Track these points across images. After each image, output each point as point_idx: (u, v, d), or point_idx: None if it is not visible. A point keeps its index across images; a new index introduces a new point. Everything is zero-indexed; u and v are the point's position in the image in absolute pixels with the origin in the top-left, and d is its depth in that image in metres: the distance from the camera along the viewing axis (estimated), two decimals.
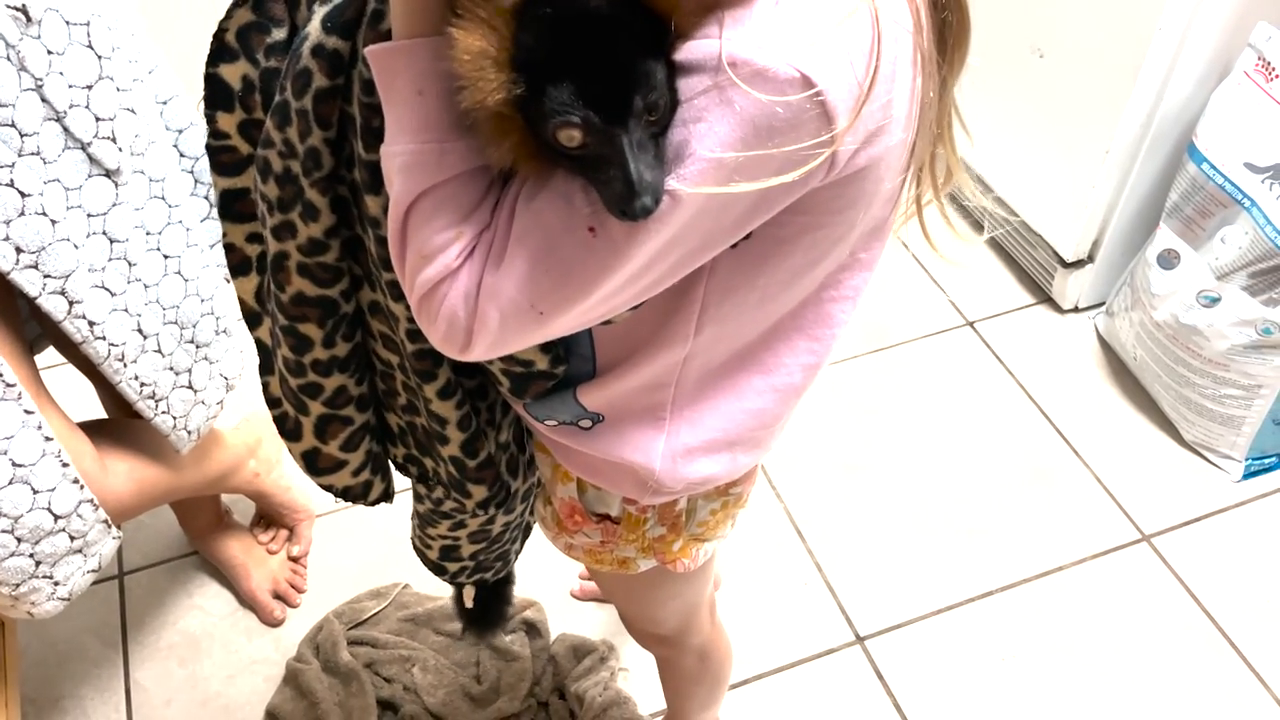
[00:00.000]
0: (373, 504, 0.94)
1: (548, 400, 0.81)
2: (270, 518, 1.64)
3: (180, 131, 1.18)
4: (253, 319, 0.85)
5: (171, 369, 1.20)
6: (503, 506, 0.91)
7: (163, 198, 1.14)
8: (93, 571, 1.19)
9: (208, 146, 0.76)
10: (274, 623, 1.57)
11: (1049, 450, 1.77)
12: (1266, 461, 1.72)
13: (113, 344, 1.10)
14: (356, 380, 0.84)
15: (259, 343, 0.86)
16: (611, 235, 0.60)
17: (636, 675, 1.51)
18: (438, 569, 1.03)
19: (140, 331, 1.13)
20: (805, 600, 1.59)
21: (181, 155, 1.18)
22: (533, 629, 1.53)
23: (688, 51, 0.57)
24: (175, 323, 1.18)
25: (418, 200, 0.62)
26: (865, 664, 1.52)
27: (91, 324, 1.07)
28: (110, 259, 1.08)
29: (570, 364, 0.79)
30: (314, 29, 0.66)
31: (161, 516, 1.67)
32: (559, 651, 1.52)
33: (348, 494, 0.92)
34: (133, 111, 1.08)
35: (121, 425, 1.28)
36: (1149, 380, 1.78)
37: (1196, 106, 1.66)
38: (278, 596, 1.59)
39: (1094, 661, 1.52)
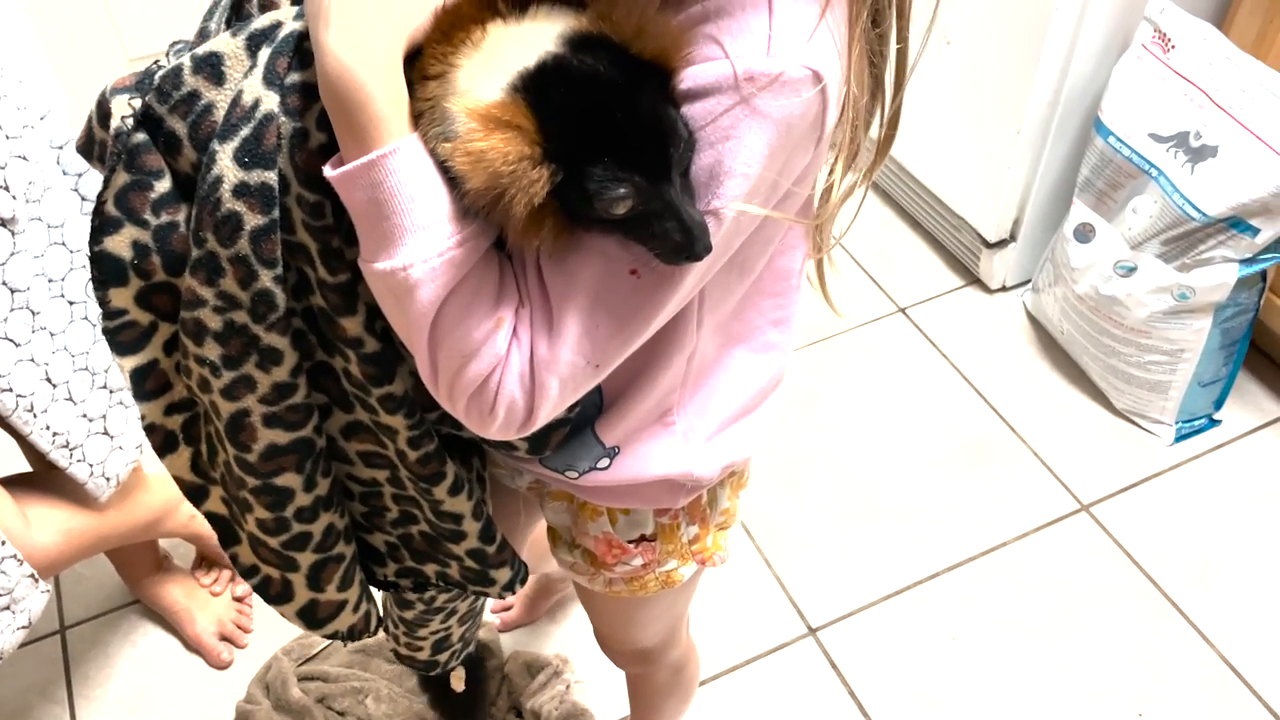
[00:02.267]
0: (373, 634, 0.90)
1: (566, 449, 0.79)
2: (211, 559, 1.62)
3: (79, 175, 1.16)
4: (197, 493, 0.79)
5: (85, 416, 1.18)
6: (521, 578, 0.89)
7: (63, 243, 1.12)
8: (23, 628, 1.16)
9: (104, 330, 0.70)
10: (221, 666, 1.55)
11: (986, 428, 1.79)
12: (1196, 423, 1.75)
13: (20, 395, 1.08)
14: (340, 513, 0.81)
15: (212, 516, 0.80)
16: (657, 270, 0.61)
17: (592, 686, 1.51)
18: (429, 665, 1.00)
19: (49, 380, 1.11)
20: (756, 596, 1.60)
21: (82, 199, 1.17)
22: (484, 648, 1.52)
23: (694, 79, 0.58)
24: (86, 369, 1.16)
25: (446, 302, 0.60)
26: (819, 655, 1.53)
27: None
28: (12, 309, 1.06)
29: (580, 402, 0.77)
30: (227, 168, 0.62)
31: (100, 566, 1.64)
32: (512, 670, 1.52)
33: (353, 633, 0.87)
34: (24, 158, 1.06)
35: (44, 477, 1.26)
36: (1077, 352, 1.82)
37: (1100, 82, 1.69)
38: (224, 639, 1.56)
39: (1042, 633, 1.54)
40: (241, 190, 0.62)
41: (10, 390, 1.07)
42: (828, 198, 0.71)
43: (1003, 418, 1.80)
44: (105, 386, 1.20)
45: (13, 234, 1.05)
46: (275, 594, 0.81)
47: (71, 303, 1.14)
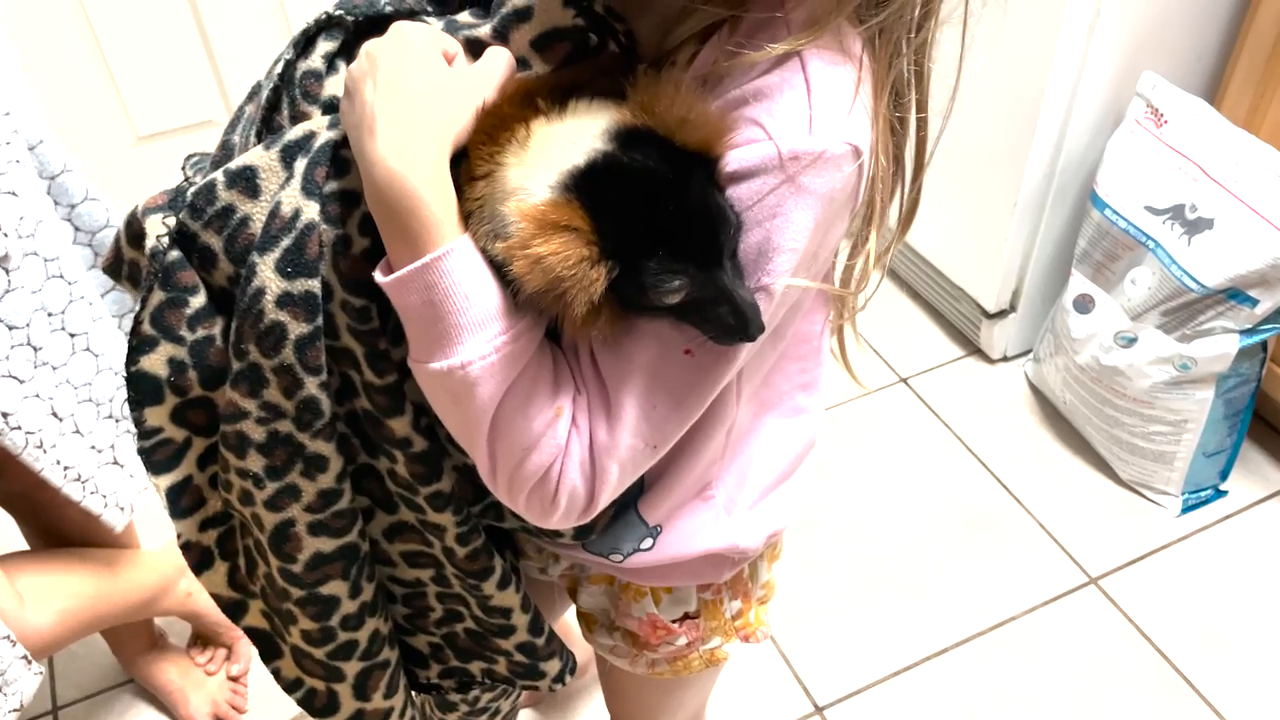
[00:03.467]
0: None
1: (611, 531, 0.78)
2: (207, 637, 1.59)
3: (72, 207, 1.16)
4: (235, 609, 0.78)
5: (94, 448, 1.17)
6: (571, 668, 0.88)
7: (61, 275, 1.12)
8: (14, 711, 1.14)
9: (139, 449, 0.69)
10: None
11: (991, 500, 1.78)
12: (1203, 494, 1.74)
13: (29, 432, 1.07)
14: (384, 618, 0.80)
15: (253, 631, 0.79)
16: (710, 348, 0.62)
17: None
18: None
19: (55, 415, 1.11)
20: (761, 672, 1.57)
21: (76, 229, 1.17)
22: None
23: (739, 161, 0.59)
24: (90, 400, 1.16)
25: (505, 397, 0.60)
26: None
27: (4, 415, 1.04)
28: (13, 346, 1.05)
29: None
30: (269, 280, 0.62)
31: (93, 645, 1.61)
32: None
33: None
34: (14, 194, 1.05)
35: (41, 556, 1.24)
36: (1080, 423, 1.81)
37: (1095, 155, 1.71)
38: (219, 719, 1.53)
39: (1053, 710, 1.51)
40: (285, 300, 0.62)
41: (19, 428, 1.06)
42: (852, 266, 0.72)
43: (1008, 489, 1.79)
44: (111, 416, 1.19)
45: (6, 271, 1.04)
46: (321, 706, 0.79)
47: (72, 335, 1.13)
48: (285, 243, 0.62)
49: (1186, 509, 1.73)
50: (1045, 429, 1.88)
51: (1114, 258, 1.65)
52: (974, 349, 2.03)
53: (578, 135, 0.58)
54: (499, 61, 0.62)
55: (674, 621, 0.87)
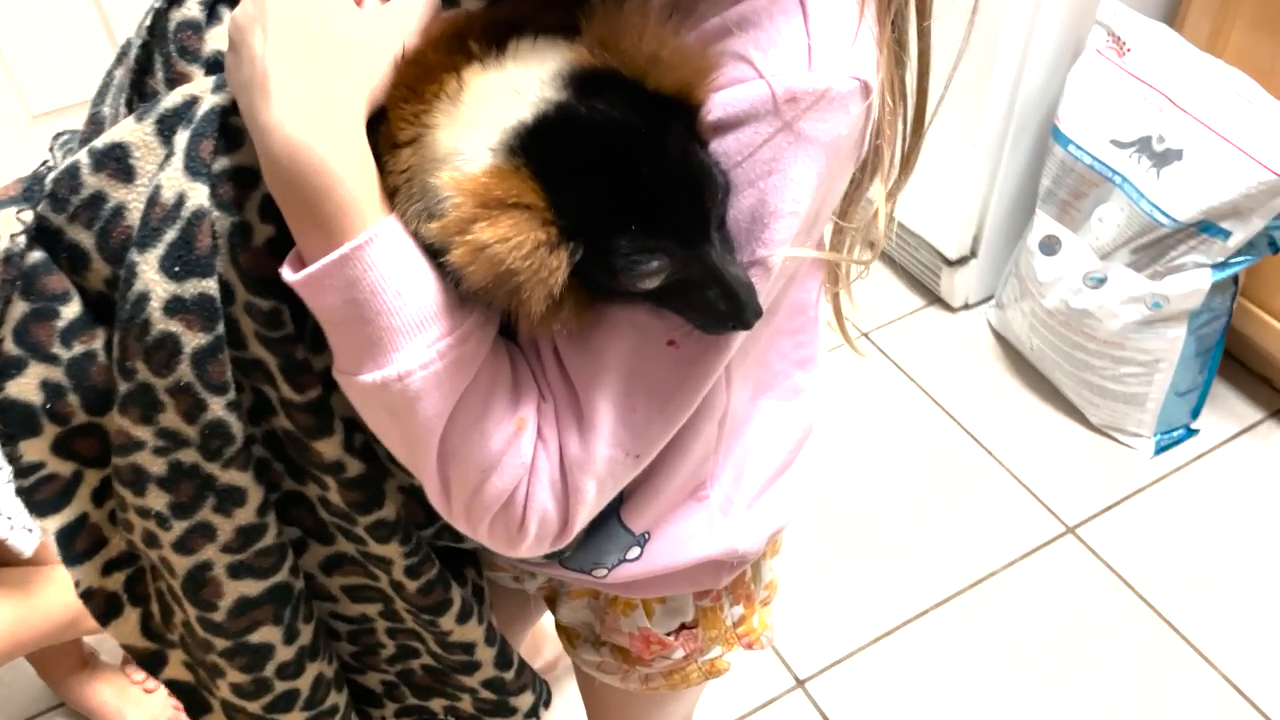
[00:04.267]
0: None
1: (591, 545, 0.69)
2: None
3: None
4: (153, 661, 0.67)
5: None
6: (545, 700, 0.79)
7: None
8: None
9: (18, 489, 0.58)
10: None
11: (961, 454, 1.72)
12: (1175, 434, 1.70)
13: None
14: (328, 659, 0.69)
15: (175, 685, 0.68)
16: (699, 336, 0.52)
17: None
18: None
19: None
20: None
21: None
22: None
23: (724, 107, 0.49)
24: None
25: (455, 410, 0.50)
26: (809, 707, 1.44)
27: None
28: None
29: None
30: (153, 282, 0.51)
31: (19, 669, 1.49)
32: None
33: None
34: None
35: None
36: (1048, 368, 1.76)
37: (1055, 89, 1.64)
38: None
39: (1039, 664, 1.47)
40: (175, 306, 0.51)
41: None
42: (847, 225, 0.63)
43: (978, 441, 1.74)
44: None
45: None
46: None
47: None
48: (169, 235, 0.51)
49: (1160, 450, 1.69)
50: (1012, 376, 1.83)
51: (1080, 195, 1.59)
52: (934, 298, 1.96)
53: (522, 83, 0.48)
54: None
55: (669, 634, 0.78)
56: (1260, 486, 1.65)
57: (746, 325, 0.49)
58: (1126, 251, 1.54)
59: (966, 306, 1.93)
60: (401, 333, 0.48)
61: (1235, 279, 1.56)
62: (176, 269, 0.51)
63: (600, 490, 0.54)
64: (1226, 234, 1.46)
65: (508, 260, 0.44)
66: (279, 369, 0.54)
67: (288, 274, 0.49)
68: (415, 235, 0.49)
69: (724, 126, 0.49)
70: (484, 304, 0.50)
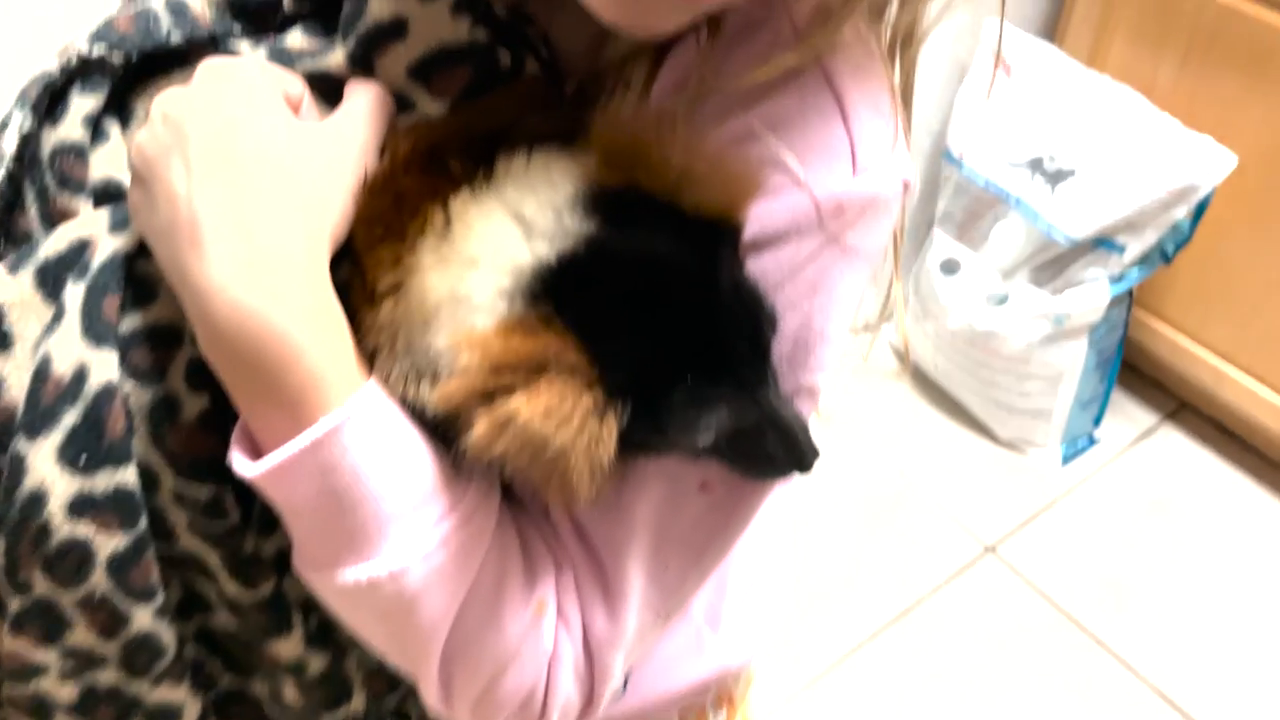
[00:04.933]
0: None
1: None
2: None
3: None
4: None
5: None
6: None
7: None
8: None
9: None
10: None
11: (876, 480, 1.70)
12: (1080, 444, 1.72)
13: None
14: None
15: None
16: (733, 479, 0.45)
17: None
18: None
19: None
20: None
21: None
22: None
23: (760, 221, 0.42)
24: None
25: (462, 610, 0.42)
26: None
27: None
28: None
29: None
30: (50, 477, 0.41)
31: None
32: None
33: None
34: None
35: None
36: (954, 387, 1.76)
37: (944, 111, 1.64)
38: None
39: (973, 689, 1.46)
40: (83, 505, 0.41)
41: None
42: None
43: (892, 464, 1.72)
44: None
45: None
46: None
47: None
48: (69, 419, 0.41)
49: (1066, 460, 1.71)
50: (919, 396, 1.82)
51: (977, 216, 1.59)
52: None
53: (532, 211, 0.39)
54: (369, 104, 0.43)
55: None
56: (1161, 488, 1.68)
57: (806, 469, 0.43)
58: (1027, 269, 1.55)
59: (868, 329, 1.92)
60: (393, 519, 0.40)
61: (1130, 291, 1.58)
62: (82, 460, 0.41)
63: (627, 660, 0.48)
64: (1122, 248, 1.48)
65: (555, 439, 0.37)
66: (222, 564, 0.45)
67: (243, 465, 0.40)
68: (402, 400, 0.40)
69: (761, 244, 0.43)
70: (484, 468, 0.41)
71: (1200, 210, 1.45)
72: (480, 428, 0.37)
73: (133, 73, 0.45)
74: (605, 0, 0.42)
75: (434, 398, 0.38)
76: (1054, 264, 1.52)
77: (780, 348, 0.44)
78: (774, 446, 0.42)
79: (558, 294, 0.38)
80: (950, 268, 1.64)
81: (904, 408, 1.81)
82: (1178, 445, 1.73)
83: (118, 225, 0.43)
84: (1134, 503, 1.67)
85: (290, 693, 0.50)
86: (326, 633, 0.49)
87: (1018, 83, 1.54)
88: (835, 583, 1.58)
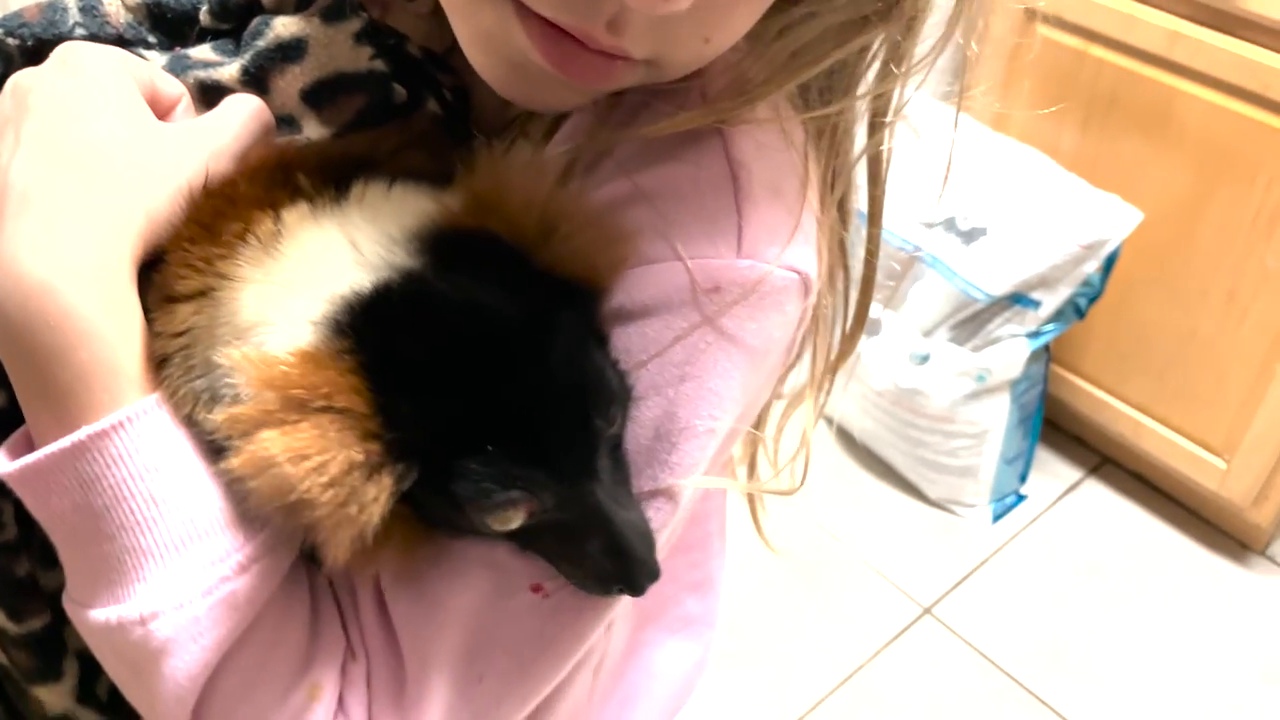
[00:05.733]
0: None
1: None
2: None
3: None
4: None
5: None
6: None
7: None
8: None
9: None
10: None
11: (809, 544, 1.68)
12: (1008, 500, 1.73)
13: None
14: None
15: None
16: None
17: None
18: None
19: None
20: None
21: None
22: None
23: (630, 291, 0.39)
24: None
25: (219, 672, 0.36)
26: None
27: None
28: None
29: None
30: None
31: None
32: None
33: None
34: None
35: None
36: (882, 448, 1.76)
37: (858, 174, 1.67)
38: None
39: None
40: None
41: None
42: (764, 417, 0.53)
43: (825, 529, 1.70)
44: None
45: None
46: None
47: None
48: None
49: (996, 518, 1.71)
50: (849, 459, 1.82)
51: (895, 276, 1.61)
52: None
53: (366, 238, 0.36)
54: (241, 114, 0.41)
55: None
56: (1089, 543, 1.69)
57: (638, 590, 0.38)
58: (946, 328, 1.56)
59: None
60: (151, 556, 0.35)
61: (1047, 347, 1.61)
62: None
63: None
64: (1037, 304, 1.51)
65: (300, 486, 0.32)
66: None
67: (2, 462, 0.36)
68: (190, 422, 0.37)
69: (628, 315, 0.40)
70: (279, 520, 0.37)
71: (1109, 265, 1.49)
72: (239, 459, 0.33)
73: (28, 59, 0.43)
74: (499, 78, 0.41)
75: (217, 422, 0.34)
76: (972, 321, 1.54)
77: (638, 437, 0.40)
78: (600, 556, 0.37)
79: (360, 331, 0.34)
80: (872, 329, 1.65)
81: (833, 471, 1.80)
82: (1103, 499, 1.75)
83: None
84: (1064, 558, 1.67)
85: None
86: (115, 698, 0.43)
87: (927, 146, 1.57)
88: (773, 651, 1.54)
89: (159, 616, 0.35)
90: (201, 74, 0.42)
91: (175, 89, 0.42)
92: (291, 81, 0.43)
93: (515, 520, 0.36)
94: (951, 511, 1.72)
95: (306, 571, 0.40)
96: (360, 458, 0.33)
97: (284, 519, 0.34)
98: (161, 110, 0.41)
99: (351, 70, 0.43)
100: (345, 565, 0.36)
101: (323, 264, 0.36)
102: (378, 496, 0.33)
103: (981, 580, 1.64)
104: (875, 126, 0.48)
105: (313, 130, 0.43)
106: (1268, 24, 1.31)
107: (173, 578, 0.35)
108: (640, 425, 0.40)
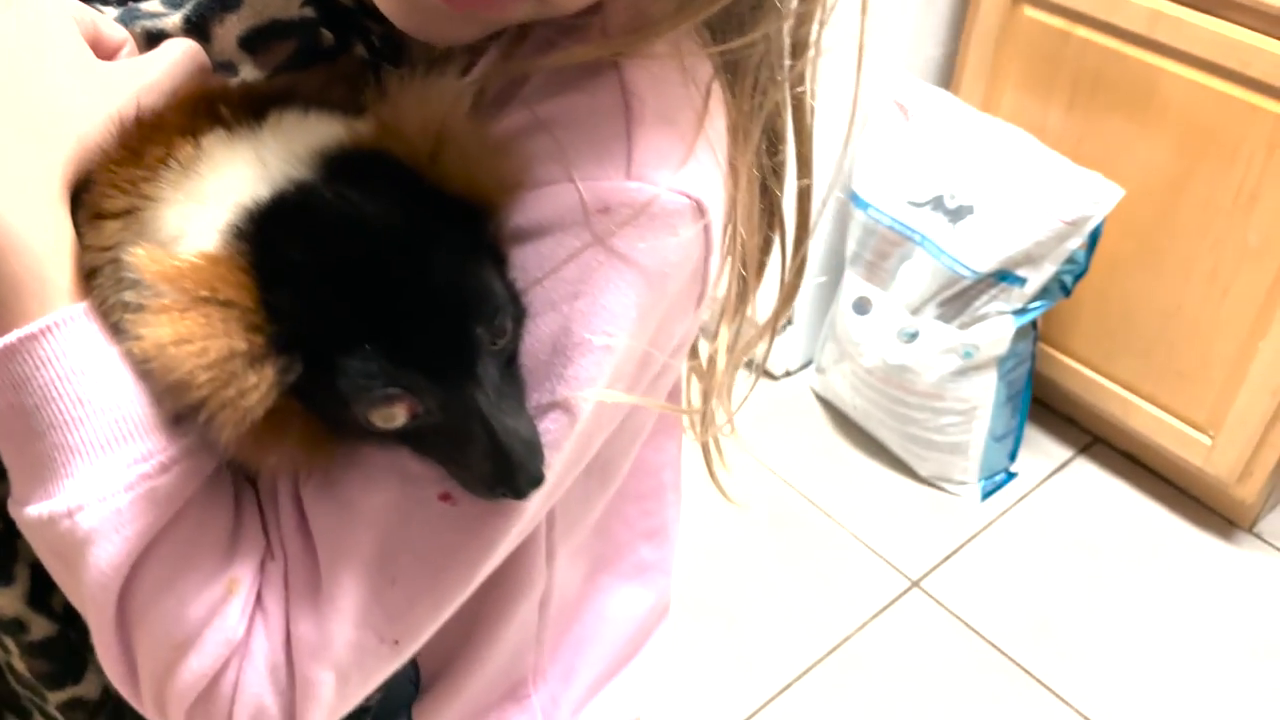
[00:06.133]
0: None
1: None
2: None
3: None
4: None
5: None
6: None
7: None
8: None
9: None
10: None
11: (801, 520, 1.71)
12: (997, 478, 1.75)
13: None
14: None
15: None
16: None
17: None
18: None
19: None
20: None
21: None
22: None
23: (525, 212, 0.41)
24: None
25: (141, 562, 0.39)
26: None
27: None
28: None
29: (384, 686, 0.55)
30: None
31: None
32: None
33: None
34: None
35: None
36: (873, 426, 1.78)
37: (849, 157, 1.70)
38: None
39: None
40: None
41: None
42: (713, 366, 0.55)
43: (815, 504, 1.73)
44: None
45: None
46: None
47: None
48: None
49: (986, 495, 1.74)
50: (840, 437, 1.84)
51: (884, 255, 1.64)
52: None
53: (273, 157, 0.39)
54: (175, 53, 0.44)
55: None
56: (1079, 521, 1.71)
57: (519, 494, 0.40)
58: (934, 305, 1.59)
59: (788, 374, 1.95)
60: (78, 453, 0.38)
61: (1034, 325, 1.63)
62: None
63: (343, 684, 0.43)
64: (1022, 281, 1.53)
65: (183, 368, 0.35)
66: None
67: None
68: (117, 331, 0.39)
69: (523, 235, 0.42)
70: (198, 431, 0.40)
71: (1093, 242, 1.51)
72: (136, 347, 0.36)
73: None
74: (396, 9, 0.44)
75: (129, 323, 0.37)
76: (959, 299, 1.56)
77: (536, 352, 0.42)
78: (477, 455, 0.39)
79: (255, 235, 0.37)
80: (861, 307, 1.68)
81: (825, 449, 1.83)
82: (1093, 478, 1.77)
83: None
84: (1053, 534, 1.69)
85: (16, 661, 0.48)
86: (69, 609, 0.46)
87: (917, 128, 1.60)
88: (762, 621, 1.57)
89: (83, 509, 0.39)
90: (148, 23, 0.46)
91: (120, 34, 0.45)
92: (230, 29, 0.46)
93: (398, 419, 0.38)
94: (942, 489, 1.75)
95: (233, 480, 0.43)
96: (242, 346, 0.36)
97: (173, 401, 0.37)
98: (105, 53, 0.44)
99: (284, 18, 0.46)
100: (244, 455, 0.39)
101: (233, 180, 0.39)
102: (259, 385, 0.36)
103: (970, 555, 1.66)
104: (796, 74, 0.51)
105: (249, 74, 0.46)
106: (1247, 3, 1.33)
107: (97, 474, 0.38)
108: (537, 340, 0.42)
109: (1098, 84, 1.51)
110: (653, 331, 0.45)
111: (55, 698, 0.48)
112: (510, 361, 0.42)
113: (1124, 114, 1.50)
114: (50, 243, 0.39)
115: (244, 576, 0.42)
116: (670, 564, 0.66)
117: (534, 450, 0.40)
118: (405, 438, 0.40)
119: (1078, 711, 1.46)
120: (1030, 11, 1.54)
